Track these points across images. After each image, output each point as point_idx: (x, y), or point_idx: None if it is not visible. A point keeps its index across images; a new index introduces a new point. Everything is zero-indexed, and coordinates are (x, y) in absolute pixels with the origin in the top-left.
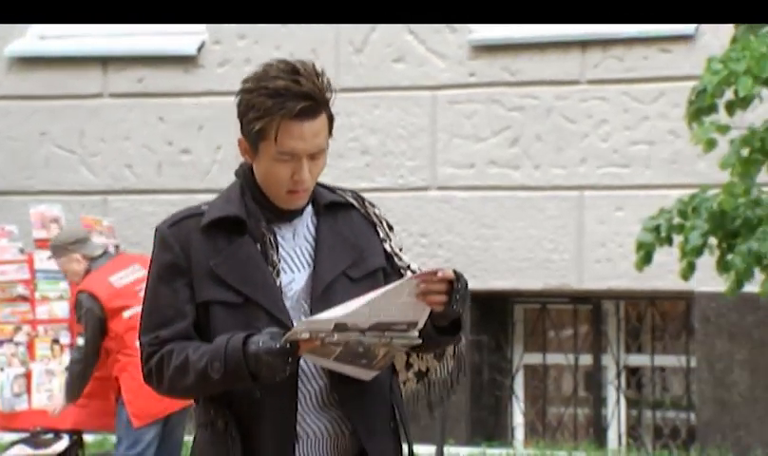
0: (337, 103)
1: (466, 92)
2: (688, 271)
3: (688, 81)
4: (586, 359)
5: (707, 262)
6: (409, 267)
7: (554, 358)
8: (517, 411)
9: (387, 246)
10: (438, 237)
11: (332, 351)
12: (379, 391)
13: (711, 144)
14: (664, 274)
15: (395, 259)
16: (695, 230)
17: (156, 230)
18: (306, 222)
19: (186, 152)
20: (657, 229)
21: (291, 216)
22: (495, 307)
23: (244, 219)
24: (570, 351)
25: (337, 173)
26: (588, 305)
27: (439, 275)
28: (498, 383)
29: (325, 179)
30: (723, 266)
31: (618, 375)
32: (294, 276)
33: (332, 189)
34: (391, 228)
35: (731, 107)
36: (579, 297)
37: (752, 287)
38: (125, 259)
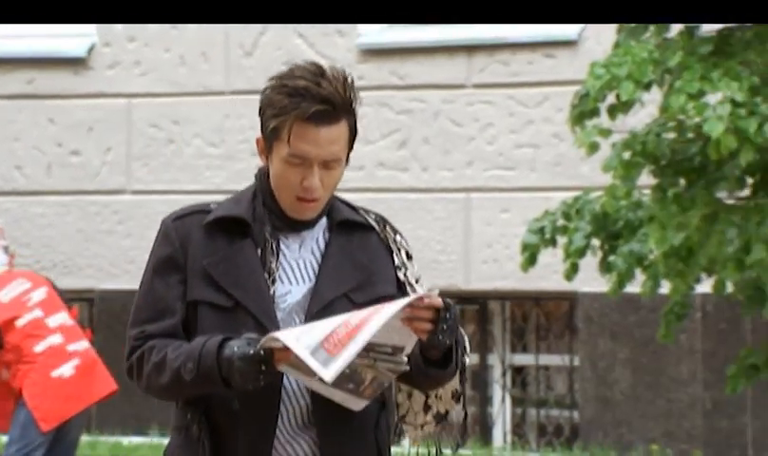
0: (228, 105)
1: None
2: (572, 272)
3: (572, 85)
4: (473, 358)
5: (590, 263)
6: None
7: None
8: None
9: (401, 274)
10: None
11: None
12: (363, 423)
13: (594, 148)
14: (549, 274)
15: (408, 289)
16: (578, 232)
17: (161, 222)
18: (317, 236)
19: (76, 154)
20: (541, 231)
21: (300, 226)
22: None
23: (249, 222)
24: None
25: (228, 174)
26: (475, 305)
27: (425, 301)
28: None
29: (217, 180)
30: (606, 267)
31: (503, 374)
32: (291, 288)
33: (354, 208)
34: (410, 257)
35: (613, 111)
36: (466, 298)
37: (633, 287)
38: (9, 276)
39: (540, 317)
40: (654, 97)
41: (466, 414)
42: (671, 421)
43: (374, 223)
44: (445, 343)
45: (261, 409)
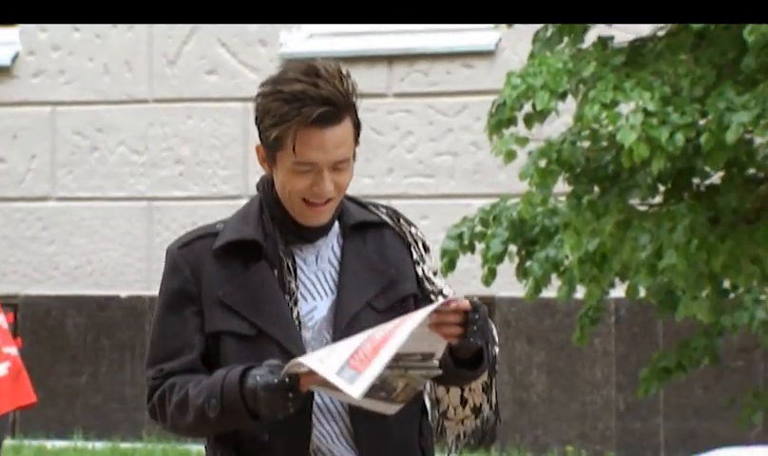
0: (151, 113)
1: None
2: (490, 277)
3: (489, 95)
4: None
5: (507, 269)
6: (441, 292)
7: None
8: None
9: (419, 269)
10: None
11: None
12: (407, 434)
13: (511, 156)
14: (468, 279)
15: (426, 284)
16: (496, 238)
17: (167, 252)
18: (332, 244)
19: (1, 161)
20: (460, 237)
21: (314, 236)
22: None
23: (261, 243)
24: None
25: (152, 182)
26: None
27: (452, 305)
28: None
29: (140, 187)
30: (522, 272)
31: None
32: (316, 304)
33: (364, 205)
34: (427, 249)
35: (529, 120)
36: None
37: (549, 292)
38: None
39: None
40: (569, 106)
41: (495, 406)
42: (586, 423)
43: (387, 218)
44: (476, 344)
45: (293, 437)
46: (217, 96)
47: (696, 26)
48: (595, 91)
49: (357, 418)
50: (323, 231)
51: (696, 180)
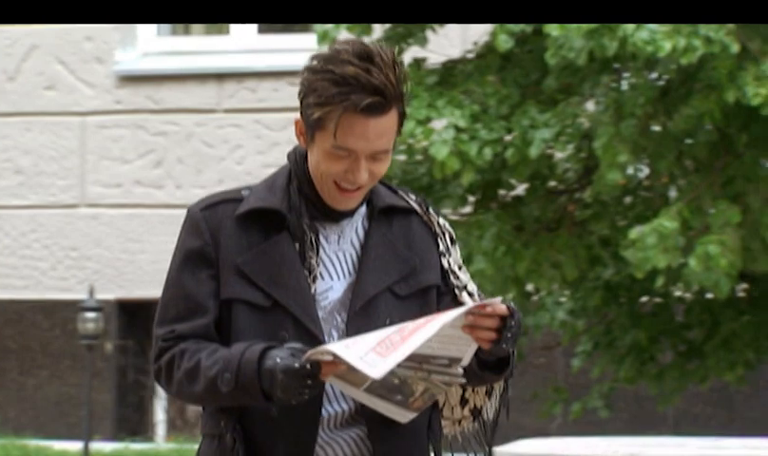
0: None
1: (113, 118)
2: None
3: None
4: None
5: None
6: (465, 287)
7: None
8: (159, 409)
9: (445, 261)
10: (87, 251)
11: (363, 379)
12: (415, 423)
13: None
14: None
15: (451, 277)
16: None
17: (187, 212)
18: (356, 225)
19: None
20: None
21: (339, 216)
22: (140, 314)
23: (284, 214)
24: None
25: None
26: None
27: (488, 309)
28: (142, 383)
29: None
30: None
31: None
32: (332, 284)
33: (394, 190)
34: (453, 242)
35: None
36: None
37: None
38: None
39: None
40: None
41: (500, 410)
42: None
43: (416, 206)
44: (507, 351)
45: (301, 415)
46: (55, 110)
47: (502, 49)
48: (411, 109)
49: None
50: (349, 212)
51: (502, 192)
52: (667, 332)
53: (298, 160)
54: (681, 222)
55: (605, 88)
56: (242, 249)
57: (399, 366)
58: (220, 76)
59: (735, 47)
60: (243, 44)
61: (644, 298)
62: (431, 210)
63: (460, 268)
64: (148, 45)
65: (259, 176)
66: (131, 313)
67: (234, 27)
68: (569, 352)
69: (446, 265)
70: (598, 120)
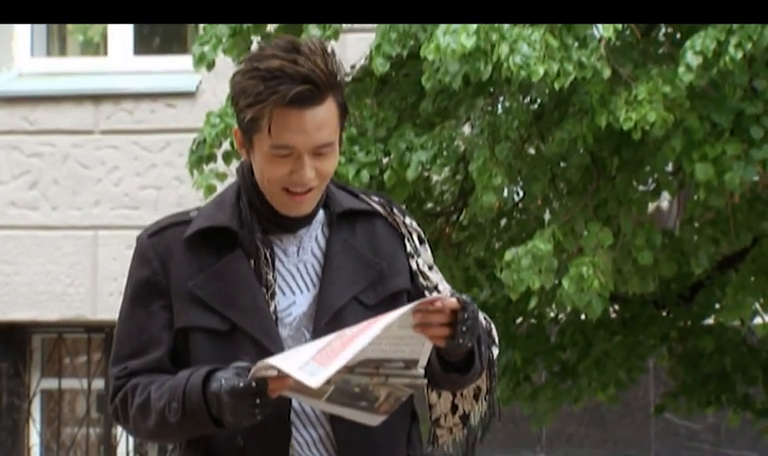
0: None
1: None
2: None
3: (191, 133)
4: (99, 383)
5: None
6: (436, 287)
7: (69, 383)
8: (34, 433)
9: (413, 263)
10: None
11: (322, 391)
12: (392, 440)
13: (211, 190)
14: None
15: (420, 279)
16: None
17: (137, 240)
18: (315, 234)
19: None
20: None
21: (295, 225)
22: (15, 337)
23: (235, 231)
24: (84, 376)
25: None
26: (101, 334)
27: (437, 304)
28: (16, 407)
29: None
30: None
31: None
32: (294, 299)
33: (354, 193)
34: (422, 241)
35: (228, 157)
36: (93, 327)
37: None
38: None
39: None
40: None
41: (492, 413)
42: None
43: (378, 207)
44: (466, 346)
45: (271, 444)
46: None
47: (378, 72)
48: None
49: (339, 424)
50: (306, 220)
51: None
52: (541, 352)
53: (246, 173)
54: (554, 244)
55: (481, 112)
56: (194, 273)
57: (353, 372)
58: (97, 97)
59: (606, 72)
60: (120, 65)
61: (519, 319)
62: (395, 210)
63: (431, 268)
64: (24, 65)
65: (136, 197)
66: (6, 336)
67: (111, 48)
68: None
69: (414, 266)
70: (474, 143)
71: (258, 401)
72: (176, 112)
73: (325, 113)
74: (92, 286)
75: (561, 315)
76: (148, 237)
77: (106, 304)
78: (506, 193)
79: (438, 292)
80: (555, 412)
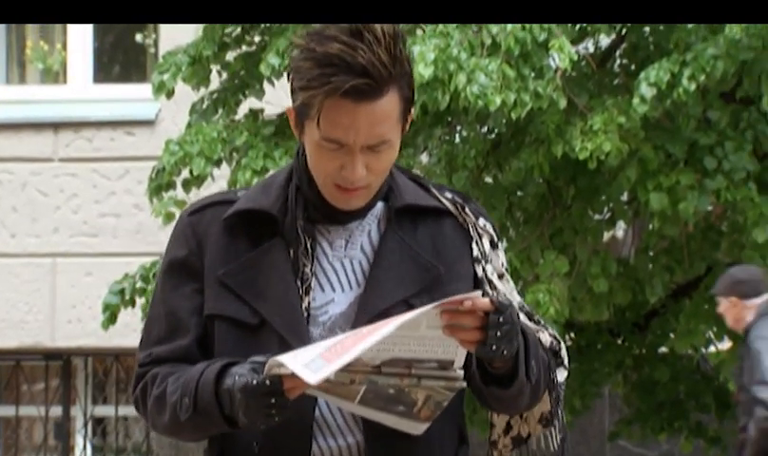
0: None
1: None
2: None
3: (150, 161)
4: (57, 411)
5: None
6: (504, 297)
7: (27, 410)
8: None
9: (479, 269)
10: None
11: (354, 391)
12: None
13: (170, 217)
14: (128, 332)
15: (486, 287)
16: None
17: (178, 217)
18: (369, 229)
19: None
20: (122, 292)
21: (346, 217)
22: None
23: (276, 216)
24: (42, 403)
25: None
26: (59, 361)
27: (467, 304)
28: None
29: None
30: None
31: (85, 425)
32: (333, 297)
33: (425, 186)
34: (495, 246)
35: (187, 185)
36: (51, 354)
37: None
38: None
39: (120, 372)
40: (224, 172)
41: (563, 439)
42: None
43: (449, 205)
44: (501, 354)
45: (288, 451)
46: None
47: None
48: (247, 159)
49: (373, 435)
50: (359, 213)
51: None
52: None
53: (300, 154)
54: (510, 272)
55: (438, 141)
56: (229, 258)
57: (381, 373)
58: (56, 125)
59: (562, 102)
60: (79, 93)
61: None
62: (468, 209)
63: (501, 276)
64: None
65: (95, 225)
66: None
67: (70, 76)
68: None
69: (480, 273)
70: (431, 171)
71: (273, 400)
72: (135, 140)
73: (383, 109)
74: (51, 313)
75: None
76: (188, 215)
77: (65, 331)
78: None
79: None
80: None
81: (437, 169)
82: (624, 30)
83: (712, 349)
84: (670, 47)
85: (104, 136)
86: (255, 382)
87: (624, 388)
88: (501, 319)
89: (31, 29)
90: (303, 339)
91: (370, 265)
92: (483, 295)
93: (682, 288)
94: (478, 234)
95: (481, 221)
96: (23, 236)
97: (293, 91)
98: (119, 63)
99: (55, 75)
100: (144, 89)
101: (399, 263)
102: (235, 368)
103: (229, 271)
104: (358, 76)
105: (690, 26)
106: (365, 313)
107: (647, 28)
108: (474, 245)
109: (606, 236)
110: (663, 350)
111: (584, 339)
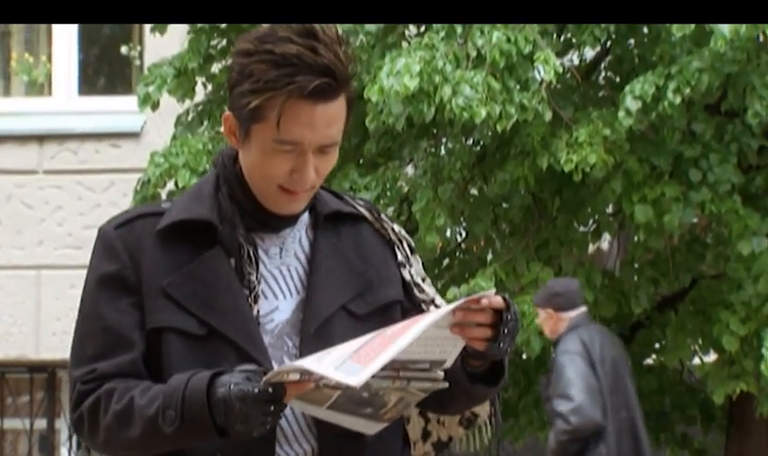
0: None
1: None
2: None
3: (135, 173)
4: (42, 423)
5: None
6: (433, 301)
7: (12, 423)
8: None
9: (405, 273)
10: None
11: (326, 396)
12: None
13: None
14: None
15: (416, 291)
16: None
17: (99, 232)
18: (299, 236)
19: None
20: None
21: (281, 224)
22: None
23: (216, 225)
24: (27, 416)
25: None
26: (44, 373)
27: (483, 301)
28: None
29: None
30: None
31: (70, 437)
32: (277, 304)
33: (339, 195)
34: (413, 251)
35: (172, 196)
36: (36, 367)
37: None
38: None
39: None
40: None
41: (494, 437)
42: None
43: (365, 212)
44: (505, 351)
45: None
46: None
47: None
48: None
49: (326, 442)
50: (292, 220)
51: None
52: None
53: (227, 163)
54: (496, 283)
55: (424, 153)
56: (168, 269)
57: (375, 376)
58: (41, 137)
59: (548, 115)
60: (64, 106)
61: None
62: (383, 217)
63: (423, 280)
64: None
65: (79, 237)
66: None
67: (55, 88)
68: None
69: (407, 277)
70: (417, 183)
71: (272, 408)
72: (120, 152)
73: (336, 109)
74: (35, 326)
75: None
76: (115, 228)
77: (49, 344)
78: (448, 233)
79: (435, 305)
80: (496, 451)
81: (423, 181)
82: (608, 43)
83: (697, 361)
84: (655, 60)
85: (89, 148)
86: (256, 390)
87: None
88: (510, 317)
89: (17, 42)
90: (259, 346)
91: (306, 272)
92: (412, 298)
93: (668, 300)
94: (398, 239)
95: (396, 228)
96: (7, 248)
97: (240, 96)
98: (104, 75)
99: (40, 87)
100: (129, 101)
101: (335, 269)
102: (225, 377)
103: (171, 282)
104: (321, 76)
105: (675, 38)
106: (312, 319)
107: (632, 41)
108: (397, 250)
109: (592, 248)
110: (649, 361)
111: None
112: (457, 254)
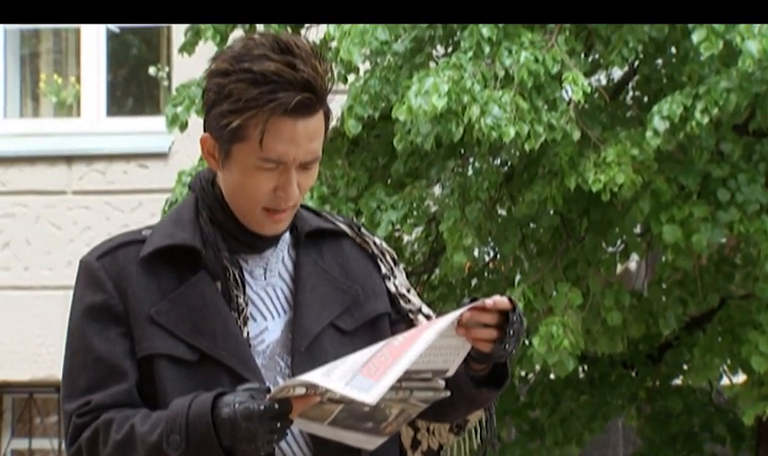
0: None
1: None
2: None
3: (163, 193)
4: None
5: None
6: (420, 310)
7: (40, 443)
8: None
9: (391, 285)
10: None
11: (328, 412)
12: None
13: None
14: None
15: (401, 302)
16: None
17: (81, 264)
18: (282, 255)
19: None
20: None
21: (263, 245)
22: None
23: (199, 250)
24: (55, 436)
25: None
26: None
27: (489, 303)
28: None
29: None
30: None
31: None
32: (266, 325)
33: (317, 212)
34: (396, 263)
35: None
36: None
37: None
38: None
39: None
40: None
41: (485, 446)
42: None
43: (345, 228)
44: (510, 352)
45: None
46: None
47: (351, 133)
48: None
49: (322, 454)
50: (274, 240)
51: None
52: (511, 411)
53: (205, 185)
54: (524, 304)
55: (452, 173)
56: (154, 297)
57: None
58: (70, 158)
59: (576, 134)
60: (93, 126)
61: None
62: (363, 231)
63: (409, 290)
64: None
65: None
66: None
67: (84, 109)
68: None
69: (393, 289)
70: (444, 203)
71: (278, 425)
72: (148, 173)
73: (316, 124)
74: (63, 346)
75: (530, 374)
76: (97, 258)
77: None
78: (476, 253)
79: (423, 314)
80: None
81: (450, 201)
82: (636, 63)
83: (726, 381)
84: (683, 80)
85: (117, 169)
86: (261, 407)
87: (637, 420)
88: (515, 318)
89: (45, 63)
90: (252, 369)
91: (291, 291)
92: (399, 309)
93: (696, 320)
94: (380, 252)
95: (377, 241)
96: (36, 268)
97: (219, 117)
98: (132, 96)
99: (69, 108)
100: (157, 122)
101: (320, 287)
102: (228, 397)
103: (159, 309)
104: (301, 91)
105: (703, 58)
106: (301, 338)
107: (660, 61)
108: (380, 263)
109: (620, 268)
110: (677, 382)
111: (597, 372)
112: (485, 274)
